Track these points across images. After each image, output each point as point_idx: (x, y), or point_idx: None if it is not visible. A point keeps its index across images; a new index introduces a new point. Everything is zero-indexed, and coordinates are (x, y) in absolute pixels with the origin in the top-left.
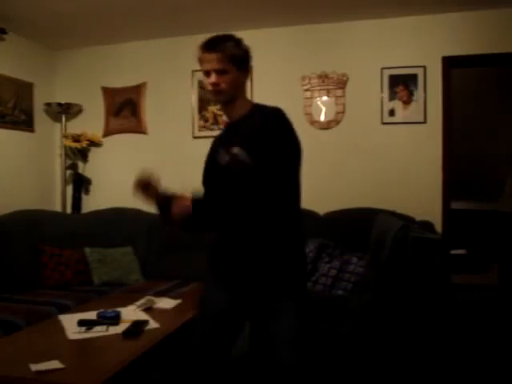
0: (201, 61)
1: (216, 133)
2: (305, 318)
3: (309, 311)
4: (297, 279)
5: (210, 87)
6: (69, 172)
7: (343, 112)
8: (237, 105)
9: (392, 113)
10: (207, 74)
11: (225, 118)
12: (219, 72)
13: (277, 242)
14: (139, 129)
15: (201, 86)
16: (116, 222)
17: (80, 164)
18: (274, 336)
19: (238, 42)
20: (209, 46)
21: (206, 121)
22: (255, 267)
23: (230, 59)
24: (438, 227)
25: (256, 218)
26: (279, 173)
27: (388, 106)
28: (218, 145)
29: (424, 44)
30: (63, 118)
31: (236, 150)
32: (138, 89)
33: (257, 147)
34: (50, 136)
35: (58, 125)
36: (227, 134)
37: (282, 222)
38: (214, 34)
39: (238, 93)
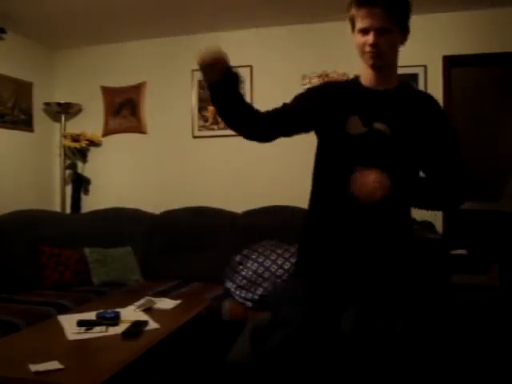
0: (355, 17)
1: (215, 132)
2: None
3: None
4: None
5: (367, 48)
6: (68, 172)
7: None
8: (389, 73)
9: None
10: (364, 32)
11: (364, 80)
12: (381, 31)
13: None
14: (139, 129)
15: (201, 85)
16: (115, 222)
17: (79, 164)
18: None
19: None
20: None
21: (206, 120)
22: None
23: (395, 17)
24: (439, 227)
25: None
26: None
27: None
28: (350, 109)
29: (425, 43)
30: (62, 118)
31: (380, 125)
32: (138, 88)
33: (422, 131)
34: (50, 136)
35: (57, 124)
36: (366, 102)
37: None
38: (215, 32)
39: (395, 58)
